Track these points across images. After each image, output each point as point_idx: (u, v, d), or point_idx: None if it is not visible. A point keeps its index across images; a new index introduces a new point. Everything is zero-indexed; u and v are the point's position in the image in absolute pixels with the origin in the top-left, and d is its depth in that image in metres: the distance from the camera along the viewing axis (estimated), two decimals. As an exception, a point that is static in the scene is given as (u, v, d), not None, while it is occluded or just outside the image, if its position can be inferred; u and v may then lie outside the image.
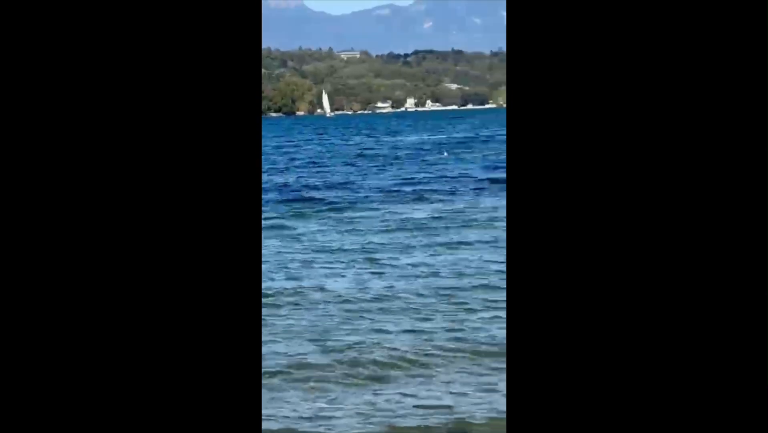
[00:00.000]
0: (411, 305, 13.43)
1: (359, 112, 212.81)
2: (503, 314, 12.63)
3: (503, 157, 45.69)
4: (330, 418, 9.05)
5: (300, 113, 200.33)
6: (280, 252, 18.69)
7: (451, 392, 9.67)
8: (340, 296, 14.14)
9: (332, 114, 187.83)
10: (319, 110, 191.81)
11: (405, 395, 9.62)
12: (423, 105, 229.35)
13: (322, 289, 14.78)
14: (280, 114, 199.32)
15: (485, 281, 14.88)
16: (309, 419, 9.00)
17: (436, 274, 15.86)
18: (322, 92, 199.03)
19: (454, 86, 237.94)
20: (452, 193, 29.88)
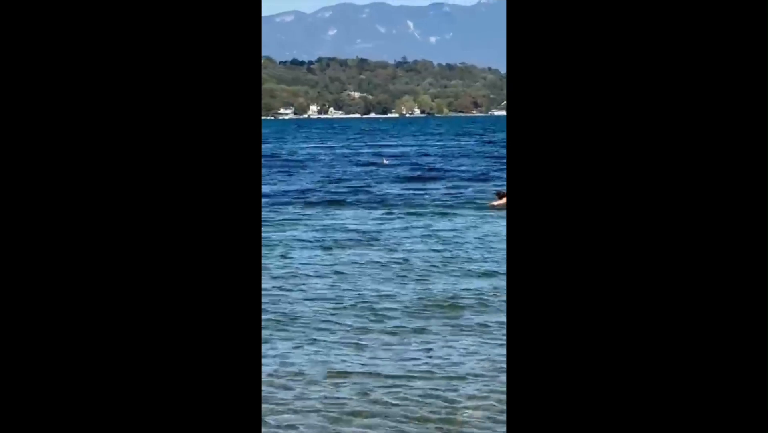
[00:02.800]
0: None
1: (262, 118, 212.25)
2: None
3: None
4: None
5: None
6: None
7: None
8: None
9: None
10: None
11: None
12: (326, 112, 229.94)
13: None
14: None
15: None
16: None
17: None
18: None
19: (357, 94, 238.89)
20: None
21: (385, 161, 50.77)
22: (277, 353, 11.25)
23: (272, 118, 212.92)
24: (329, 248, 19.67)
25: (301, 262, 18.23)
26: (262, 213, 26.60)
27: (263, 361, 10.07)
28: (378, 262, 17.85)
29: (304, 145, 77.57)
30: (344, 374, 10.41)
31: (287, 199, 30.85)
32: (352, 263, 17.83)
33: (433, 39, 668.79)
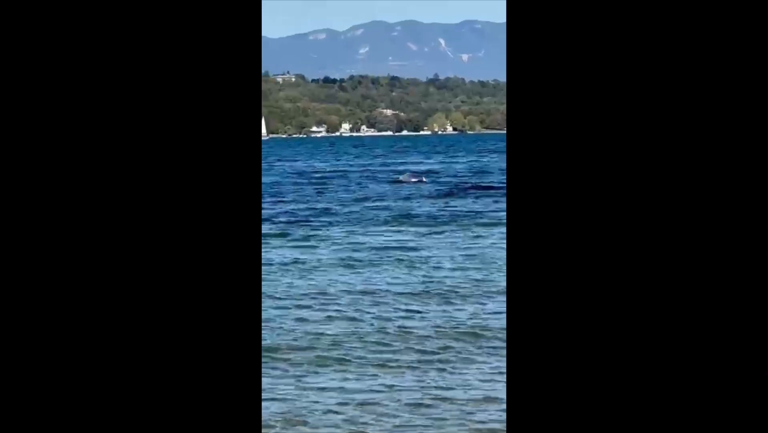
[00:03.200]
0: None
1: (294, 135, 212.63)
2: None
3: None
4: None
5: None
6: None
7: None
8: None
9: (267, 137, 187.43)
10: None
11: None
12: (358, 130, 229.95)
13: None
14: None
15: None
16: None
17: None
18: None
19: (389, 112, 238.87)
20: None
21: (423, 179, 50.55)
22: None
23: (305, 135, 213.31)
24: (353, 267, 19.58)
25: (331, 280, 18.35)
26: (290, 230, 26.82)
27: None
28: (406, 282, 17.84)
29: (337, 162, 77.66)
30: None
31: (323, 218, 30.88)
32: (384, 282, 17.85)
33: (464, 56, 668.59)
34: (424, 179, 50.34)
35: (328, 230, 27.38)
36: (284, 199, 40.16)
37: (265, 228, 27.05)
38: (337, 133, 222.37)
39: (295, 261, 21.01)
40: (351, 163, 77.40)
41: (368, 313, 15.09)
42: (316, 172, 62.92)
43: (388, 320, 14.52)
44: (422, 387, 10.95)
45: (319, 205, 35.75)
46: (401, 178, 50.68)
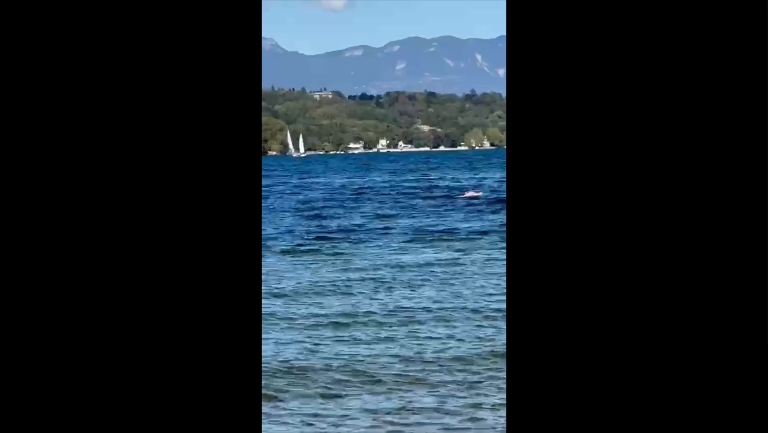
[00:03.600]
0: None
1: (331, 152, 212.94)
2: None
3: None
4: None
5: (272, 153, 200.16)
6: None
7: None
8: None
9: (305, 154, 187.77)
10: (292, 150, 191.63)
11: None
12: (395, 146, 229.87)
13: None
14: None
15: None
16: None
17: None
18: (297, 132, 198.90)
19: (426, 128, 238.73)
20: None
21: (476, 193, 50.13)
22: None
23: (342, 152, 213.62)
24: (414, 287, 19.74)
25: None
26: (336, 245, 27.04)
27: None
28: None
29: (378, 179, 77.68)
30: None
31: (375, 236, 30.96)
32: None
33: (501, 71, 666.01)
34: (480, 193, 50.08)
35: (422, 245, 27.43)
36: (364, 211, 40.28)
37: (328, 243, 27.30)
38: (375, 150, 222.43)
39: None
40: (404, 178, 77.31)
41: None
42: (366, 187, 62.85)
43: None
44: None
45: (404, 222, 35.55)
46: (465, 194, 50.15)
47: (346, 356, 13.33)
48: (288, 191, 61.19)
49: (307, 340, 14.52)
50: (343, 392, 11.66)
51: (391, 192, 56.91)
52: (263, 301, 17.47)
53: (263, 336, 14.93)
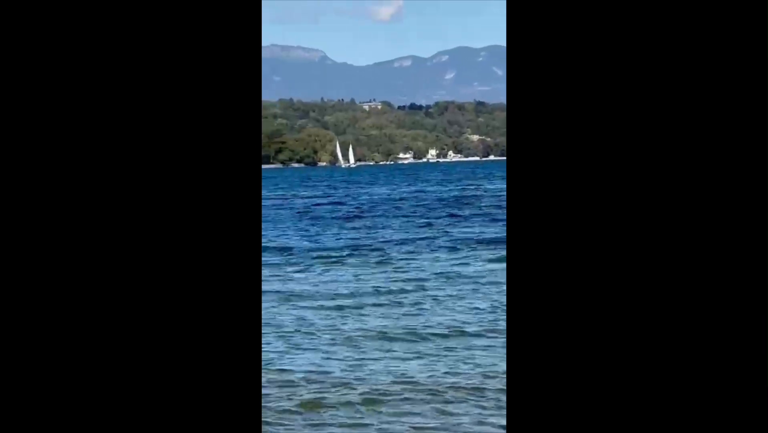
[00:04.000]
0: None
1: (381, 163, 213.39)
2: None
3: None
4: None
5: (322, 164, 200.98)
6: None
7: None
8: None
9: (355, 165, 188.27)
10: (342, 160, 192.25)
11: None
12: (445, 156, 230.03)
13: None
14: (301, 165, 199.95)
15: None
16: None
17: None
18: (346, 143, 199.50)
19: (475, 137, 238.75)
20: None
21: None
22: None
23: (392, 162, 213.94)
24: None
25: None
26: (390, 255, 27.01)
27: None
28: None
29: (432, 189, 77.75)
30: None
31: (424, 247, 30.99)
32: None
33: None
34: None
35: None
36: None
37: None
38: (424, 160, 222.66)
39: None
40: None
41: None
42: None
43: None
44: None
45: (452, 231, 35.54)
46: None
47: (398, 371, 13.20)
48: (331, 201, 61.36)
49: (355, 354, 14.42)
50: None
51: (437, 201, 56.85)
52: (307, 312, 17.78)
53: (309, 347, 14.99)
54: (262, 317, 4.21)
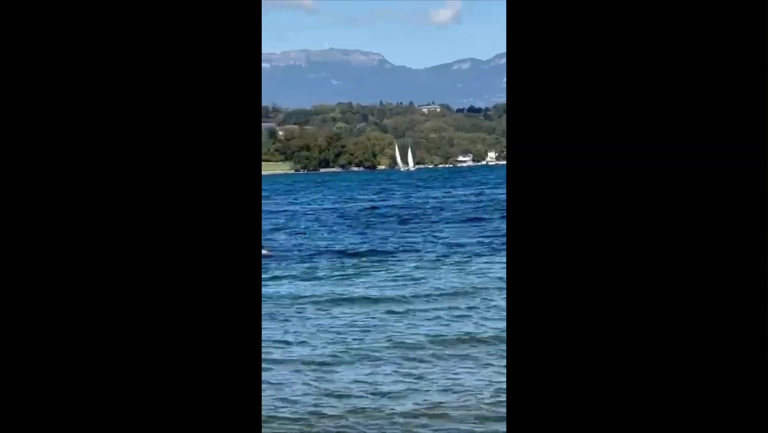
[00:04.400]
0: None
1: (440, 166, 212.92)
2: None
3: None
4: None
5: (381, 167, 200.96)
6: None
7: None
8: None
9: (414, 168, 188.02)
10: (401, 163, 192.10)
11: None
12: (504, 159, 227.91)
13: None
14: (360, 168, 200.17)
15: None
16: None
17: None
18: (405, 146, 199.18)
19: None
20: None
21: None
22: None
23: (451, 165, 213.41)
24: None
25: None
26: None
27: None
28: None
29: (490, 192, 77.38)
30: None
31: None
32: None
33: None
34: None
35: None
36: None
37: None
38: (483, 162, 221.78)
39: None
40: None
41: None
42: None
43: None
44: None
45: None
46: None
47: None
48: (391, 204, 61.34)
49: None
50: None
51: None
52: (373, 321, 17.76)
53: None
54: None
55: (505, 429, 4.16)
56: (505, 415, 4.14)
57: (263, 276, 23.91)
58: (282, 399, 12.00)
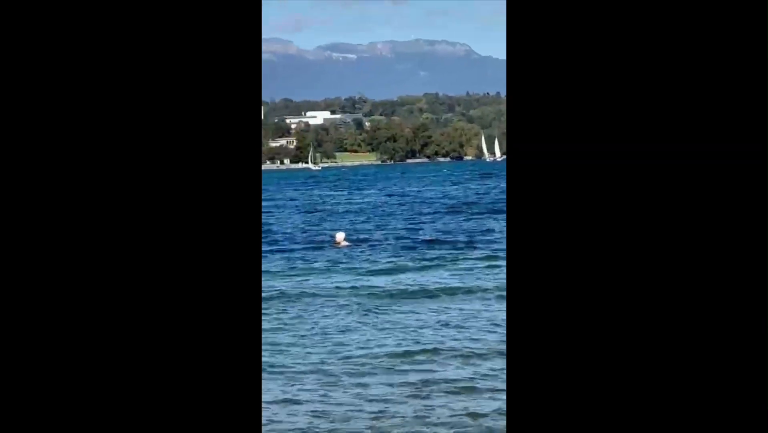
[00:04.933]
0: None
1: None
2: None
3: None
4: None
5: (468, 158, 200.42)
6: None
7: None
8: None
9: (501, 158, 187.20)
10: (487, 154, 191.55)
11: None
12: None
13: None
14: (447, 159, 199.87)
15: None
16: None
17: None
18: (492, 136, 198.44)
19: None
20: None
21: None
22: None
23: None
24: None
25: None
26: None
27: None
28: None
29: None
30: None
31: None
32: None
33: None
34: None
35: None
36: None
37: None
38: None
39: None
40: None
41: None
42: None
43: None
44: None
45: None
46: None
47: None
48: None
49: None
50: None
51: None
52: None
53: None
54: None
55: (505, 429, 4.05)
56: (505, 415, 4.14)
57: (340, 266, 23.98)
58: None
